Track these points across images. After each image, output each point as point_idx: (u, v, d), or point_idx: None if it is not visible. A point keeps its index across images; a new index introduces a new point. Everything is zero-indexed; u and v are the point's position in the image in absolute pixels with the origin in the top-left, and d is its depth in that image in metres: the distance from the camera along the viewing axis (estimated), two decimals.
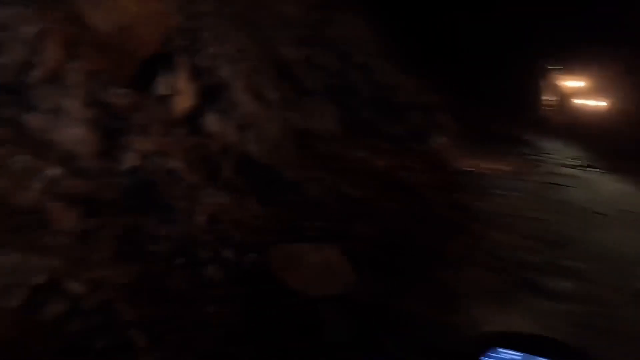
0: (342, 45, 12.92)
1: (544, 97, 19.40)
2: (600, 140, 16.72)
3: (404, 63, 15.21)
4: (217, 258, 3.97)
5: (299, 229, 4.91)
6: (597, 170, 11.96)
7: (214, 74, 6.20)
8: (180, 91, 5.57)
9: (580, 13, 17.40)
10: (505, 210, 7.72)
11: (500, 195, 8.61)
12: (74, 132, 4.18)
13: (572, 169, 11.67)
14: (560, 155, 13.57)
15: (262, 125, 6.41)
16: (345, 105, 10.00)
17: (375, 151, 8.63)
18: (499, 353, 1.17)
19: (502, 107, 16.97)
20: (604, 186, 10.56)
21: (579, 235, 7.04)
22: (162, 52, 5.62)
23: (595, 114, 19.01)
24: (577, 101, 19.51)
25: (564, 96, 19.65)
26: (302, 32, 10.94)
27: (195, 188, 4.61)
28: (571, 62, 19.25)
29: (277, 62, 8.62)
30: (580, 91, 19.49)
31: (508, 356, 1.16)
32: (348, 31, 13.69)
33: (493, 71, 17.27)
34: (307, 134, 7.57)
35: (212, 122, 5.82)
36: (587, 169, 11.91)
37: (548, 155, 13.25)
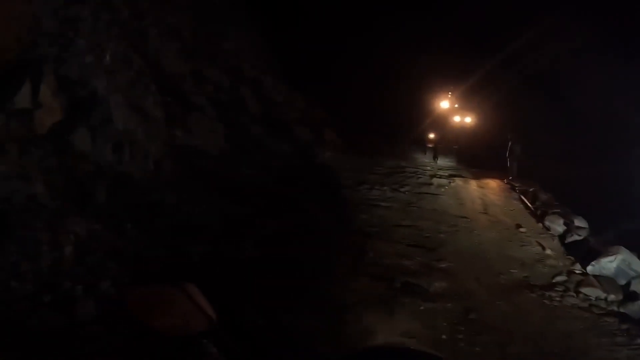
0: (232, 59, 12.77)
1: (424, 117, 21.48)
2: (465, 152, 19.09)
3: (294, 79, 15.61)
4: (89, 293, 3.59)
5: (181, 255, 4.62)
6: (463, 178, 13.44)
7: (87, 85, 5.62)
8: (44, 104, 4.92)
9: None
10: (386, 221, 8.25)
11: (382, 207, 9.22)
12: None
13: (443, 179, 12.94)
14: (434, 167, 15.01)
15: (141, 143, 5.98)
16: (233, 122, 9.84)
17: (263, 168, 8.63)
18: None
19: (386, 125, 18.29)
20: (468, 193, 11.84)
21: (448, 238, 7.78)
22: (25, 60, 4.97)
23: (463, 129, 21.59)
24: (454, 119, 21.96)
25: (441, 115, 21.96)
26: (190, 45, 10.63)
27: (60, 216, 4.11)
28: (445, 85, 21.68)
29: (161, 75, 8.19)
30: (453, 110, 21.93)
31: None
32: (239, 46, 13.58)
33: (379, 91, 18.48)
34: (192, 152, 7.25)
35: (82, 139, 5.09)
36: (455, 178, 13.32)
37: (424, 168, 14.52)
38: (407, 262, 6.48)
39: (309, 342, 3.87)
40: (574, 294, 6.42)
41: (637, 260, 7.74)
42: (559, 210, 10.09)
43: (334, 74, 17.97)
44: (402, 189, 10.95)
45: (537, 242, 8.28)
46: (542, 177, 14.75)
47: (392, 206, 9.39)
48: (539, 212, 10.26)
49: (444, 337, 4.60)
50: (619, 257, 7.52)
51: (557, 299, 6.12)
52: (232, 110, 10.27)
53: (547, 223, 9.40)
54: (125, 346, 3.04)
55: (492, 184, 13.41)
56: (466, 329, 4.81)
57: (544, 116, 20.11)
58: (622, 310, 6.53)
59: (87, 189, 4.76)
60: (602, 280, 7.20)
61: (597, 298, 6.57)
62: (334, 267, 5.69)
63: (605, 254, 7.56)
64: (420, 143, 19.59)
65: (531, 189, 12.57)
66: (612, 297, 6.72)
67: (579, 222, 9.29)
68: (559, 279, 6.80)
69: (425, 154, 18.19)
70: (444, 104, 21.50)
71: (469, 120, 21.80)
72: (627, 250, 7.81)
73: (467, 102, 21.72)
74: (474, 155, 18.38)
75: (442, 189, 11.69)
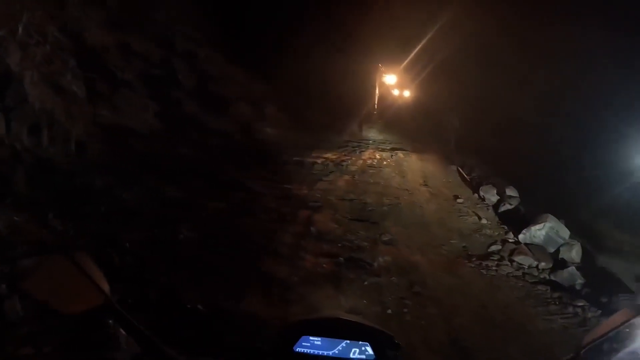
0: (165, 31, 11.89)
1: (366, 92, 21.60)
2: (407, 125, 19.54)
3: (233, 53, 14.89)
4: (14, 291, 3.21)
5: (113, 243, 4.28)
6: (405, 151, 13.76)
7: None
8: None
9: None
10: (329, 195, 8.22)
11: (325, 182, 9.19)
12: None
13: (386, 153, 13.16)
14: (378, 142, 15.22)
15: (61, 124, 5.42)
16: (166, 99, 9.24)
17: (200, 147, 8.22)
18: (307, 340, 1.22)
19: (329, 100, 18.11)
20: (409, 166, 12.08)
21: (392, 211, 7.88)
22: None
23: (403, 103, 22.04)
24: (394, 92, 22.24)
25: (386, 90, 22.19)
26: (117, 14, 9.59)
27: None
28: (389, 60, 21.79)
29: (82, 48, 7.42)
30: (395, 84, 22.23)
31: (313, 342, 1.22)
32: (170, 15, 12.64)
33: (321, 65, 18.10)
34: (121, 132, 6.72)
35: None
36: (397, 152, 13.61)
37: (367, 142, 14.67)
38: (351, 236, 6.45)
39: (251, 323, 3.72)
40: (509, 263, 6.70)
41: (564, 227, 8.13)
42: (492, 181, 10.59)
43: (276, 47, 17.34)
44: (344, 164, 10.99)
45: (473, 212, 8.61)
46: (479, 149, 15.41)
47: (336, 181, 9.40)
48: (474, 183, 10.72)
49: (389, 311, 4.61)
50: (547, 225, 7.86)
51: (494, 268, 6.35)
52: (163, 86, 9.62)
53: (482, 193, 9.78)
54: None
55: (432, 156, 13.84)
56: (412, 302, 4.86)
57: (484, 89, 20.72)
58: (552, 278, 6.79)
59: (4, 176, 4.26)
60: (533, 249, 7.48)
61: (529, 266, 6.83)
62: (277, 246, 5.54)
63: (535, 222, 7.93)
64: (363, 117, 19.75)
65: (468, 161, 13.12)
66: (542, 264, 7.00)
67: (510, 191, 9.76)
68: (494, 248, 7.09)
69: (368, 128, 18.38)
70: (386, 78, 21.66)
71: (408, 94, 22.28)
72: (555, 218, 8.16)
73: (407, 76, 22.03)
74: (415, 129, 18.90)
75: (385, 163, 11.88)
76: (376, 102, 20.40)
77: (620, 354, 1.04)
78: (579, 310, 5.64)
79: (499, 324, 4.73)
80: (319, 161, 10.75)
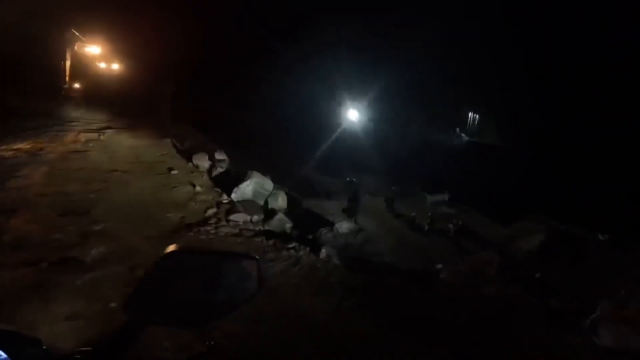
0: None
1: (69, 65, 18.47)
2: (117, 102, 18.10)
3: None
4: None
5: None
6: (114, 129, 12.92)
7: None
8: None
9: None
10: (26, 192, 7.05)
11: (20, 177, 7.85)
12: None
13: (92, 134, 12.04)
14: (83, 122, 13.68)
15: None
16: None
17: None
18: None
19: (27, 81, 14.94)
20: (119, 144, 11.39)
21: (101, 197, 7.37)
22: None
23: (112, 77, 20.12)
24: (100, 65, 19.86)
25: (88, 62, 19.50)
26: None
27: None
28: (91, 27, 19.02)
29: None
30: (100, 56, 19.83)
31: None
32: None
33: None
34: None
35: None
36: (105, 130, 12.65)
37: (71, 124, 13.01)
38: (57, 235, 5.75)
39: None
40: (226, 223, 7.11)
41: (268, 180, 9.29)
42: (207, 148, 11.22)
43: None
44: (43, 152, 9.58)
45: (188, 181, 8.80)
46: (195, 118, 15.93)
47: (32, 174, 8.09)
48: (189, 152, 10.96)
49: (113, 305, 4.33)
50: (253, 180, 8.83)
51: (213, 231, 6.68)
52: None
53: (195, 162, 10.09)
54: None
55: (146, 131, 13.46)
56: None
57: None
58: (266, 227, 7.52)
59: None
60: (246, 204, 8.09)
61: (244, 222, 7.38)
62: None
63: (242, 180, 8.86)
64: (65, 94, 17.25)
65: (183, 131, 13.44)
66: (255, 217, 7.67)
67: (219, 155, 10.55)
68: (210, 212, 7.42)
69: (71, 106, 16.21)
70: (89, 49, 19.26)
71: (116, 67, 20.48)
72: (259, 174, 9.23)
73: (115, 47, 20.16)
74: (127, 103, 17.76)
75: (91, 144, 10.88)
76: (68, 76, 18.02)
77: None
78: (292, 251, 6.45)
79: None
80: (8, 154, 9.02)
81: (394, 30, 28.79)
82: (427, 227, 15.08)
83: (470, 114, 37.97)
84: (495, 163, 25.45)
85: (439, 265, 8.90)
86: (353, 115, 21.96)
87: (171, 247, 1.20)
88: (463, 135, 37.37)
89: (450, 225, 15.18)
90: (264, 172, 9.86)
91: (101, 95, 18.47)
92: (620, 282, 9.89)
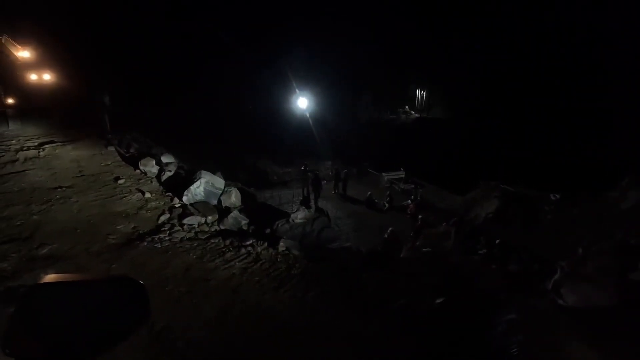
0: None
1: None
2: (54, 114, 16.99)
3: None
4: None
5: None
6: (54, 143, 12.18)
7: None
8: None
9: None
10: None
11: None
12: None
13: (31, 151, 11.28)
14: (23, 139, 12.83)
15: None
16: None
17: None
18: None
19: None
20: (61, 158, 10.85)
21: (45, 218, 6.99)
22: None
23: (45, 88, 18.81)
24: (31, 76, 18.48)
25: (21, 72, 18.08)
26: None
27: None
28: (19, 34, 17.65)
29: None
30: (30, 63, 18.41)
31: None
32: None
33: None
34: None
35: None
36: (45, 146, 11.88)
37: (8, 144, 12.11)
38: (2, 264, 5.51)
39: None
40: (180, 228, 6.92)
41: (218, 178, 9.00)
42: (154, 152, 10.82)
43: None
44: None
45: (137, 189, 8.49)
46: (138, 122, 15.31)
47: None
48: (135, 159, 10.45)
49: None
50: (203, 180, 8.55)
51: (167, 238, 6.49)
52: None
53: (142, 168, 9.70)
54: None
55: (87, 141, 12.85)
56: None
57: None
58: (222, 227, 7.34)
59: None
60: (199, 206, 7.88)
61: (199, 224, 7.21)
62: None
63: (191, 181, 8.57)
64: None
65: (126, 137, 12.91)
66: (209, 218, 7.46)
67: (166, 158, 10.12)
68: (163, 218, 7.21)
69: (5, 123, 15.06)
70: (22, 56, 17.90)
71: (48, 77, 19.16)
72: (208, 172, 8.95)
73: (47, 56, 18.86)
74: (64, 115, 16.80)
75: (31, 162, 10.26)
76: (12, 89, 16.71)
77: None
78: (250, 248, 6.38)
79: (185, 290, 5.00)
80: None
81: (338, 22, 29.04)
82: (386, 205, 15.42)
83: (417, 91, 38.80)
84: (444, 136, 26.31)
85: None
86: (302, 103, 21.93)
87: (46, 278, 1.13)
88: (412, 112, 38.20)
89: (409, 201, 15.58)
90: (215, 170, 9.65)
91: (36, 108, 17.29)
92: (575, 239, 10.40)
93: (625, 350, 4.17)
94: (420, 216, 12.33)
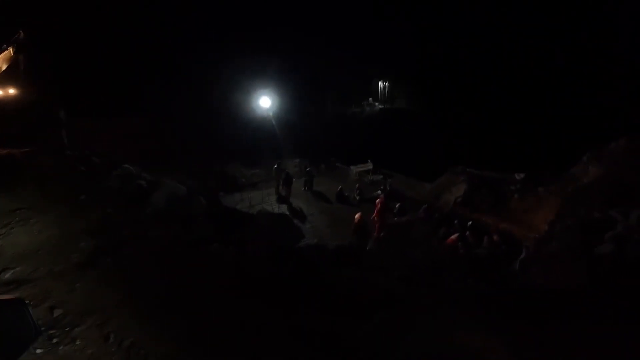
0: None
1: None
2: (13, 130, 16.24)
3: None
4: None
5: None
6: None
7: None
8: None
9: None
10: None
11: None
12: None
13: None
14: None
15: None
16: None
17: None
18: None
19: None
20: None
21: (7, 240, 6.83)
22: None
23: (7, 104, 17.94)
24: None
25: None
26: None
27: None
28: None
29: None
30: None
31: None
32: None
33: None
34: None
35: None
36: None
37: None
38: None
39: None
40: (146, 240, 6.92)
41: (180, 186, 8.99)
42: (113, 166, 10.50)
43: None
44: None
45: (98, 204, 8.23)
46: (98, 135, 14.92)
47: None
48: (96, 173, 10.06)
49: None
50: (165, 190, 8.54)
51: (132, 253, 6.47)
52: None
53: (103, 182, 9.41)
54: None
55: (45, 157, 12.38)
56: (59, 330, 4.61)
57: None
58: (188, 235, 7.40)
59: None
60: (163, 217, 7.97)
61: (164, 235, 7.25)
62: None
63: (154, 192, 8.50)
64: None
65: (86, 152, 12.52)
66: (175, 228, 7.51)
67: (129, 169, 9.96)
68: (127, 232, 7.11)
69: None
70: None
71: (13, 91, 18.28)
72: (171, 181, 8.91)
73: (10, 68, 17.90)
74: (23, 130, 16.09)
75: None
76: None
77: None
78: (216, 254, 6.50)
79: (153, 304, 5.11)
80: None
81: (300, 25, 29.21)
82: (357, 197, 15.57)
83: (380, 83, 39.28)
84: (408, 125, 26.81)
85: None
86: (265, 102, 21.88)
87: None
88: (376, 104, 38.66)
89: (379, 192, 15.76)
90: (180, 177, 9.59)
91: None
92: (541, 217, 10.68)
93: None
94: (397, 204, 12.64)
